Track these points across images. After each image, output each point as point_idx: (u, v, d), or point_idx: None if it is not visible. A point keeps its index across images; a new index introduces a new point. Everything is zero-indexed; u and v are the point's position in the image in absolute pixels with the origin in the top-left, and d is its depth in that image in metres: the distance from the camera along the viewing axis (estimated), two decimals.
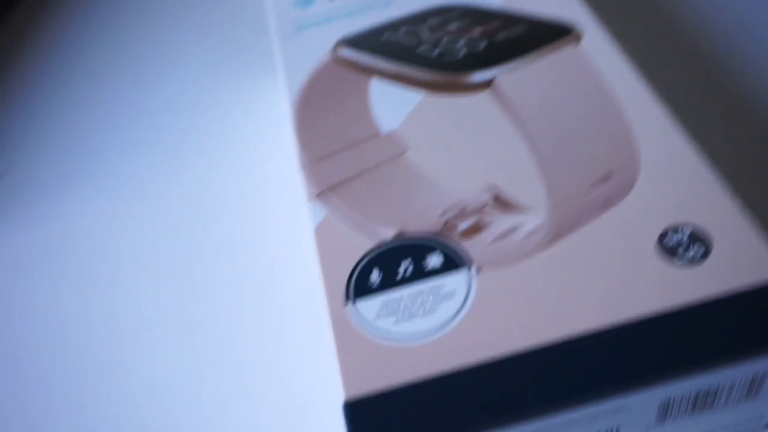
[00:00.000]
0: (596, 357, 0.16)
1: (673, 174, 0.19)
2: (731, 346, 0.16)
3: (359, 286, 0.19)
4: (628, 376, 0.16)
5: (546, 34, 0.24)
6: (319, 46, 0.26)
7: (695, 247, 0.18)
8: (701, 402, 0.17)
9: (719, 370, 0.16)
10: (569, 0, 0.26)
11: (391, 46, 0.25)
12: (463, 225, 0.19)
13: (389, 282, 0.18)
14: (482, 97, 0.23)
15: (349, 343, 0.17)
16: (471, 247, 0.19)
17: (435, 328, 0.17)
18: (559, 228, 0.19)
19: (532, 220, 0.19)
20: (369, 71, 0.24)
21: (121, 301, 0.25)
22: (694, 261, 0.18)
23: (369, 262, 0.19)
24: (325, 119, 0.23)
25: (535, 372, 0.16)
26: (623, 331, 0.17)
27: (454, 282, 0.18)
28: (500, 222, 0.19)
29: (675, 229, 0.18)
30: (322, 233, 0.20)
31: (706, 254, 0.18)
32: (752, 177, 0.25)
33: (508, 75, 0.23)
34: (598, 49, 0.24)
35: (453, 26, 0.25)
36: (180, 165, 0.30)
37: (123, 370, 0.23)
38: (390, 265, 0.19)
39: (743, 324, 0.16)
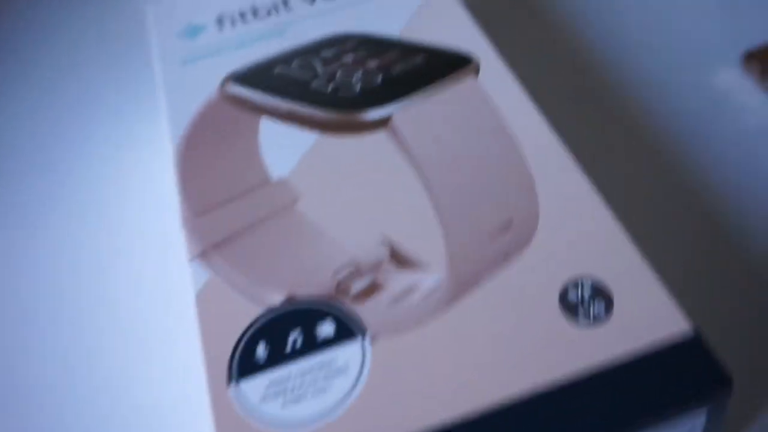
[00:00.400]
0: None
1: (573, 221, 0.19)
2: (634, 416, 0.15)
3: (243, 363, 0.17)
4: None
5: (444, 65, 0.23)
6: (206, 81, 0.24)
7: (596, 302, 0.17)
8: None
9: None
10: (466, 27, 0.25)
11: (283, 82, 0.23)
12: (357, 286, 0.18)
13: (277, 357, 0.17)
14: (380, 138, 0.21)
15: (232, 430, 0.16)
16: (366, 311, 0.18)
17: (326, 410, 0.16)
18: (459, 284, 0.18)
19: (430, 278, 0.18)
20: (259, 110, 0.23)
21: None
22: (597, 319, 0.17)
23: (255, 333, 0.17)
24: (210, 165, 0.21)
25: None
26: (530, 402, 0.16)
27: (348, 354, 0.17)
28: (397, 281, 0.18)
29: (575, 285, 0.17)
30: (203, 298, 0.18)
31: (608, 309, 0.17)
32: (648, 215, 0.25)
33: (405, 112, 0.21)
34: (496, 80, 0.22)
35: (348, 58, 0.24)
36: (47, 212, 0.28)
37: None
38: (278, 336, 0.17)
39: (645, 390, 0.16)
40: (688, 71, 0.29)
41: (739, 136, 0.27)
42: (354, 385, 0.16)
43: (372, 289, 0.18)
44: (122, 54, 0.34)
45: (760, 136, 0.27)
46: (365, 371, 0.16)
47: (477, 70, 0.23)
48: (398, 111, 0.22)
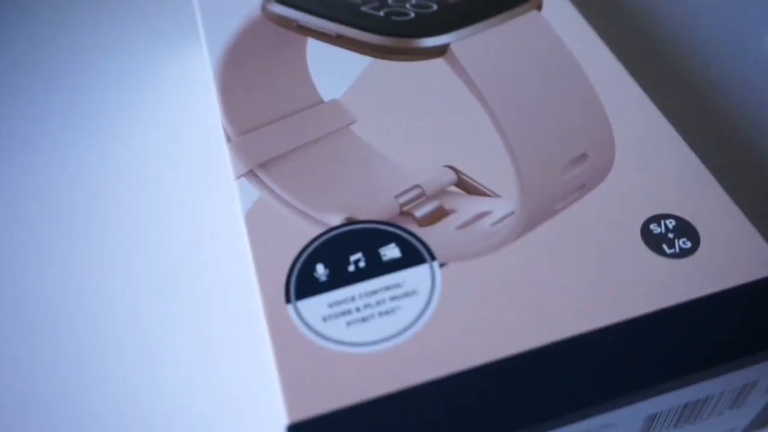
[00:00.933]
0: (579, 369, 0.14)
1: (651, 157, 0.17)
2: (724, 354, 0.14)
3: (301, 283, 0.16)
4: (617, 391, 0.14)
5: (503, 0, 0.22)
6: (246, 0, 0.22)
7: (682, 240, 0.16)
8: (687, 414, 0.15)
9: (711, 381, 0.15)
10: None
11: (329, 4, 0.22)
12: (423, 210, 0.17)
13: (338, 278, 0.16)
14: (437, 65, 0.20)
15: (292, 352, 0.15)
16: (433, 235, 0.16)
17: (395, 333, 0.15)
18: (533, 214, 0.16)
19: (501, 206, 0.17)
20: (305, 31, 0.21)
21: (32, 288, 0.21)
22: (681, 254, 0.16)
23: (312, 254, 0.16)
24: (254, 84, 0.20)
25: (511, 387, 0.14)
26: (608, 338, 0.15)
27: (415, 278, 0.16)
28: (465, 208, 0.17)
29: (658, 219, 0.16)
30: (253, 219, 0.17)
31: (695, 245, 0.16)
32: (728, 167, 0.24)
33: (464, 41, 0.20)
34: (562, 17, 0.21)
35: None
36: (96, 135, 0.26)
37: (36, 364, 0.19)
38: (338, 258, 0.16)
39: (736, 328, 0.15)
40: (743, 35, 0.28)
41: None
42: (424, 309, 0.15)
43: (439, 214, 0.17)
44: None
45: None
46: (435, 295, 0.15)
47: (539, 5, 0.22)
48: (457, 39, 0.20)
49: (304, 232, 0.16)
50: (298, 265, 0.16)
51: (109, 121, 0.26)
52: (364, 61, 0.20)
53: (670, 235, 0.16)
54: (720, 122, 0.25)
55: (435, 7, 0.21)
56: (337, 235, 0.16)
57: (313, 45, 0.21)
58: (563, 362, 0.14)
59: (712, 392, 0.15)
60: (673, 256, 0.16)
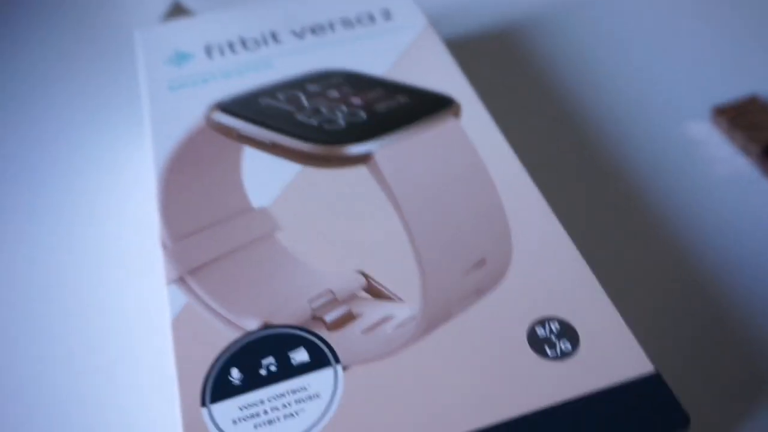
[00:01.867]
0: None
1: (545, 263, 0.19)
2: None
3: (217, 387, 0.17)
4: None
5: (426, 106, 0.24)
6: (192, 108, 0.25)
7: (564, 340, 0.18)
8: None
9: None
10: (450, 72, 0.25)
11: (268, 113, 0.24)
12: (333, 314, 0.18)
13: (250, 381, 0.17)
14: (360, 174, 0.22)
15: None
16: (341, 339, 0.18)
17: None
18: (432, 317, 0.18)
19: (404, 310, 0.18)
20: (243, 139, 0.23)
21: None
22: (564, 354, 0.17)
23: (229, 358, 0.18)
24: (192, 191, 0.22)
25: None
26: None
27: (320, 381, 0.17)
28: (371, 312, 0.18)
29: (543, 322, 0.18)
30: (179, 325, 0.19)
31: (575, 347, 0.17)
32: (618, 260, 0.26)
33: (386, 149, 0.22)
34: (475, 123, 0.23)
35: (333, 93, 0.24)
36: (31, 227, 0.28)
37: None
38: (252, 362, 0.18)
39: (605, 426, 0.16)
40: (661, 124, 0.30)
41: (709, 185, 0.28)
42: (325, 411, 0.17)
43: (347, 318, 0.18)
44: (112, 75, 0.35)
45: (728, 185, 0.28)
46: (337, 398, 0.17)
47: (458, 112, 0.24)
48: (380, 148, 0.22)
49: (225, 337, 0.18)
50: (215, 370, 0.17)
51: (49, 210, 0.28)
52: (295, 169, 0.22)
53: (553, 338, 0.18)
54: (642, 209, 0.27)
55: (364, 114, 0.23)
56: (252, 340, 0.18)
57: (249, 153, 0.23)
58: None
59: None
60: (555, 358, 0.17)
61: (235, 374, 0.17)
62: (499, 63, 0.34)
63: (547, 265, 0.19)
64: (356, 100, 0.24)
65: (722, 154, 0.29)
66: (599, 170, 0.29)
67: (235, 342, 0.18)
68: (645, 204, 0.27)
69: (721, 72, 0.32)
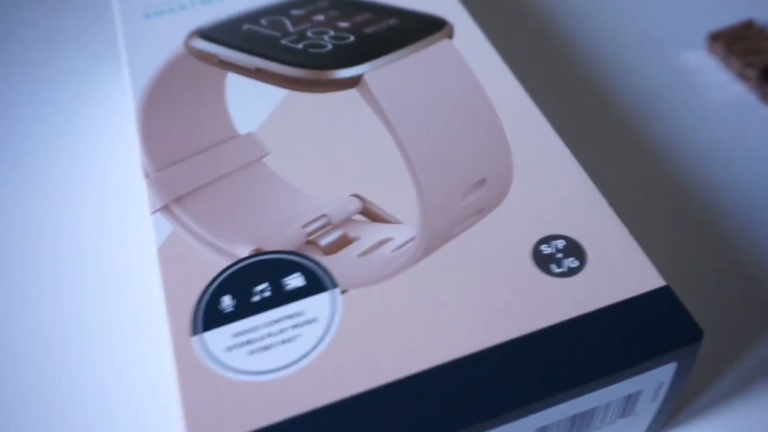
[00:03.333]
0: (472, 386, 0.15)
1: (548, 181, 0.18)
2: (605, 367, 0.15)
3: (208, 315, 0.16)
4: (506, 405, 0.15)
5: (418, 28, 0.23)
6: (170, 36, 0.23)
7: (570, 259, 0.17)
8: (578, 425, 0.16)
9: (596, 391, 0.15)
10: None
11: (251, 39, 0.22)
12: (328, 239, 0.18)
13: (243, 308, 0.16)
14: (351, 95, 0.21)
15: (196, 382, 0.15)
16: (336, 263, 0.17)
17: (294, 360, 0.15)
18: (432, 238, 0.17)
19: (402, 233, 0.18)
20: (226, 66, 0.22)
21: None
22: (571, 271, 0.17)
23: (220, 286, 0.17)
24: (174, 120, 0.21)
25: (405, 406, 0.15)
26: (498, 354, 0.15)
27: (317, 306, 0.16)
28: (368, 235, 0.18)
29: (548, 240, 0.17)
30: (166, 253, 0.18)
31: (582, 263, 0.17)
32: (623, 183, 0.25)
33: (377, 71, 0.21)
34: (470, 44, 0.22)
35: (319, 17, 0.23)
36: (8, 164, 0.26)
37: None
38: (244, 288, 0.17)
39: (617, 342, 0.15)
40: (657, 52, 0.30)
41: (706, 112, 0.27)
42: (323, 336, 0.16)
43: (343, 242, 0.18)
44: (85, 4, 0.33)
45: (726, 111, 0.27)
46: (335, 322, 0.16)
47: (451, 34, 0.23)
48: (370, 70, 0.21)
49: (214, 265, 0.17)
50: (205, 298, 0.17)
51: (28, 149, 0.27)
52: (282, 93, 0.21)
53: (559, 255, 0.17)
54: (631, 136, 0.26)
55: (352, 38, 0.22)
56: (243, 267, 0.17)
57: (232, 79, 0.22)
58: (456, 380, 0.15)
59: (599, 403, 0.16)
60: (561, 275, 0.17)
61: (227, 301, 0.17)
62: None
63: (551, 183, 0.18)
64: (343, 24, 0.23)
65: (719, 81, 0.28)
66: (595, 99, 0.28)
67: (227, 269, 0.17)
68: (643, 132, 0.27)
69: None
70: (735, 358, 0.20)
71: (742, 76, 0.28)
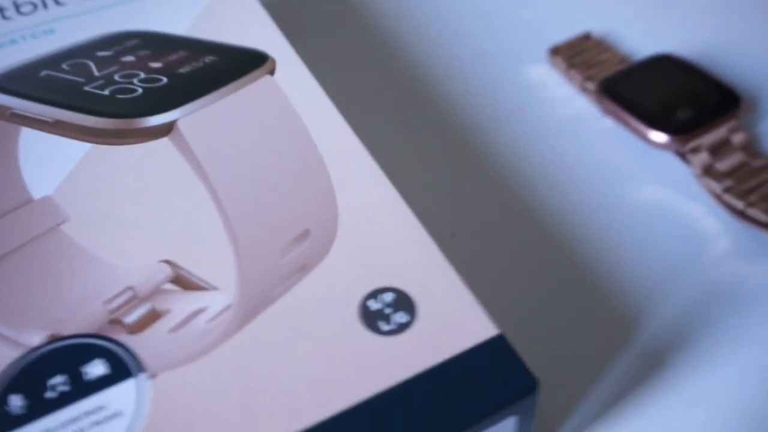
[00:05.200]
0: None
1: (376, 229, 0.17)
2: (443, 428, 0.14)
3: None
4: None
5: (237, 65, 0.21)
6: None
7: (399, 314, 0.16)
8: None
9: None
10: (263, 25, 0.23)
11: (49, 86, 0.20)
12: (134, 315, 0.16)
13: (35, 408, 0.14)
14: (162, 147, 0.19)
15: None
16: (144, 342, 0.15)
17: None
18: (251, 304, 0.16)
19: (219, 300, 0.16)
20: (20, 119, 0.20)
21: None
22: (400, 327, 0.15)
23: (8, 384, 0.15)
24: None
25: None
26: (327, 428, 0.14)
27: (121, 396, 0.14)
28: (180, 307, 0.16)
29: (377, 295, 0.16)
30: None
31: (412, 317, 0.16)
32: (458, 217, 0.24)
33: (191, 117, 0.19)
34: (295, 81, 0.21)
35: (129, 58, 0.21)
36: None
37: None
38: (37, 383, 0.15)
39: (450, 401, 0.14)
40: (499, 69, 0.29)
41: (550, 127, 0.27)
42: (128, 431, 0.14)
43: (151, 317, 0.16)
44: None
45: (569, 125, 0.27)
46: (143, 412, 0.14)
47: (273, 69, 0.21)
48: (184, 115, 0.19)
49: (1, 360, 0.15)
50: None
51: None
52: (85, 148, 0.19)
53: (388, 311, 0.16)
54: (482, 157, 0.26)
55: (165, 80, 0.20)
56: (36, 358, 0.15)
57: (27, 134, 0.19)
58: None
59: None
60: (390, 332, 0.15)
61: (16, 402, 0.14)
62: (317, 13, 0.32)
63: (379, 231, 0.17)
64: (155, 64, 0.21)
65: (562, 95, 0.28)
66: (435, 122, 0.27)
67: (14, 363, 0.15)
68: (487, 151, 0.26)
69: (555, 11, 0.32)
70: (586, 392, 0.20)
71: (583, 89, 0.28)
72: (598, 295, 0.22)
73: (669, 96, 0.25)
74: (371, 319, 0.16)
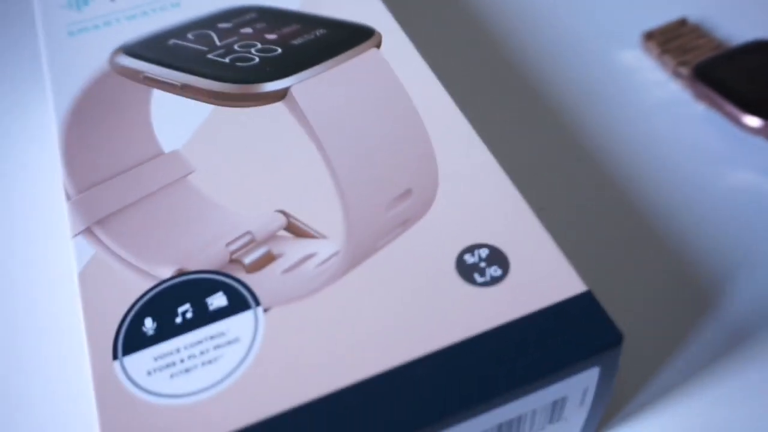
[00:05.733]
0: (397, 398, 0.15)
1: (472, 190, 0.18)
2: (526, 375, 0.15)
3: (129, 339, 0.16)
4: (431, 416, 0.15)
5: (345, 38, 0.22)
6: (94, 53, 0.23)
7: (493, 268, 0.17)
8: None
9: (520, 399, 0.15)
10: (372, 3, 0.24)
11: (176, 54, 0.22)
12: (252, 256, 0.17)
13: (165, 331, 0.16)
14: (277, 110, 0.21)
15: (115, 408, 0.15)
16: (260, 281, 0.17)
17: (216, 381, 0.15)
18: (356, 252, 0.17)
19: (327, 247, 0.17)
20: (152, 82, 0.22)
21: None
22: (494, 280, 0.17)
23: (141, 309, 0.17)
24: (98, 140, 0.20)
25: (330, 422, 0.15)
26: (422, 367, 0.15)
27: (239, 325, 0.16)
28: (293, 251, 0.17)
29: (472, 249, 0.17)
30: (87, 277, 0.17)
31: (505, 271, 0.17)
32: (550, 184, 0.25)
33: (304, 84, 0.21)
34: (398, 53, 0.22)
35: (247, 30, 0.23)
36: None
37: None
38: (166, 310, 0.16)
39: (536, 349, 0.16)
40: (592, 53, 0.30)
41: (641, 111, 0.27)
42: (245, 355, 0.16)
43: (266, 260, 0.17)
44: (8, 21, 0.33)
45: (660, 109, 0.27)
46: (257, 341, 0.16)
47: (379, 43, 0.23)
48: (297, 82, 0.21)
49: (136, 288, 0.17)
50: (126, 321, 0.16)
51: None
52: (208, 108, 0.21)
53: (482, 264, 0.17)
54: (568, 138, 0.26)
55: (279, 50, 0.22)
56: (166, 288, 0.17)
57: (158, 96, 0.21)
58: (381, 394, 0.15)
59: (524, 411, 0.16)
60: (484, 284, 0.17)
61: (149, 324, 0.16)
62: None
63: (476, 192, 0.18)
64: (271, 36, 0.23)
65: (654, 79, 0.29)
66: (530, 103, 0.28)
67: (148, 291, 0.17)
68: (579, 132, 0.27)
69: None
70: (666, 358, 0.21)
71: (676, 75, 0.28)
72: (686, 271, 0.22)
73: (764, 81, 0.25)
74: (467, 271, 0.17)
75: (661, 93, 0.28)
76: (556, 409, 0.16)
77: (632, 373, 0.20)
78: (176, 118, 0.21)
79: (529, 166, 0.26)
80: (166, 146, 0.20)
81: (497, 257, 0.17)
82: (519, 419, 0.16)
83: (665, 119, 0.27)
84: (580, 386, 0.16)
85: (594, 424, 0.18)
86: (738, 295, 0.22)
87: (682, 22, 0.29)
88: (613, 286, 0.22)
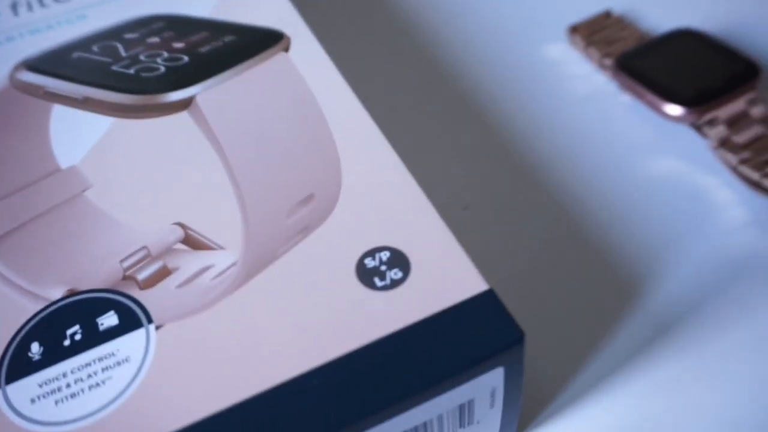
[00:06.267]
0: (296, 409, 0.14)
1: (374, 192, 0.18)
2: (429, 377, 0.15)
3: (13, 366, 0.15)
4: (331, 428, 0.14)
5: (253, 43, 0.22)
6: None
7: (393, 270, 0.16)
8: None
9: (423, 404, 0.15)
10: (281, 6, 0.24)
11: (79, 67, 0.22)
12: (146, 272, 0.17)
13: (52, 355, 0.15)
14: (180, 122, 0.20)
15: None
16: (153, 297, 0.16)
17: (102, 405, 0.15)
18: (254, 262, 0.17)
19: (225, 259, 0.17)
20: (52, 97, 0.21)
21: None
22: (392, 285, 0.16)
23: (27, 333, 0.16)
24: None
25: None
26: (320, 375, 0.15)
27: (130, 345, 0.15)
28: (189, 264, 0.17)
29: (374, 254, 0.17)
30: None
31: (406, 274, 0.16)
32: (459, 181, 0.25)
33: (209, 92, 0.20)
34: (308, 57, 0.22)
35: (153, 40, 0.22)
36: None
37: None
38: (54, 333, 0.16)
39: (437, 350, 0.15)
40: (518, 47, 0.30)
41: (567, 104, 0.27)
42: (135, 375, 0.15)
43: (162, 274, 0.17)
44: None
45: (587, 102, 0.27)
46: (148, 360, 0.15)
47: (287, 47, 0.22)
48: (202, 91, 0.20)
49: (24, 312, 0.16)
50: (12, 348, 0.16)
51: None
52: (109, 121, 0.20)
53: (383, 268, 0.16)
54: (501, 133, 0.26)
55: (186, 59, 0.22)
56: (55, 310, 0.16)
57: (60, 110, 0.21)
58: (280, 406, 0.15)
59: (429, 416, 0.15)
60: (384, 288, 0.16)
61: (35, 349, 0.16)
62: None
63: (380, 195, 0.18)
64: (178, 45, 0.22)
65: (580, 72, 0.28)
66: (453, 99, 0.28)
67: (36, 314, 0.16)
68: (505, 128, 0.26)
69: None
70: (592, 352, 0.20)
71: (601, 66, 0.28)
72: (609, 263, 0.22)
73: (685, 69, 0.25)
74: (367, 275, 0.16)
75: (586, 85, 0.28)
76: (464, 413, 0.16)
77: (557, 369, 0.20)
78: (78, 132, 0.20)
79: (454, 163, 0.25)
80: (66, 162, 0.19)
81: (398, 260, 0.17)
82: (425, 425, 0.15)
83: (591, 111, 0.27)
84: (487, 387, 0.16)
85: (513, 426, 0.18)
86: (664, 286, 0.21)
87: (607, 15, 0.29)
88: (537, 281, 0.22)
